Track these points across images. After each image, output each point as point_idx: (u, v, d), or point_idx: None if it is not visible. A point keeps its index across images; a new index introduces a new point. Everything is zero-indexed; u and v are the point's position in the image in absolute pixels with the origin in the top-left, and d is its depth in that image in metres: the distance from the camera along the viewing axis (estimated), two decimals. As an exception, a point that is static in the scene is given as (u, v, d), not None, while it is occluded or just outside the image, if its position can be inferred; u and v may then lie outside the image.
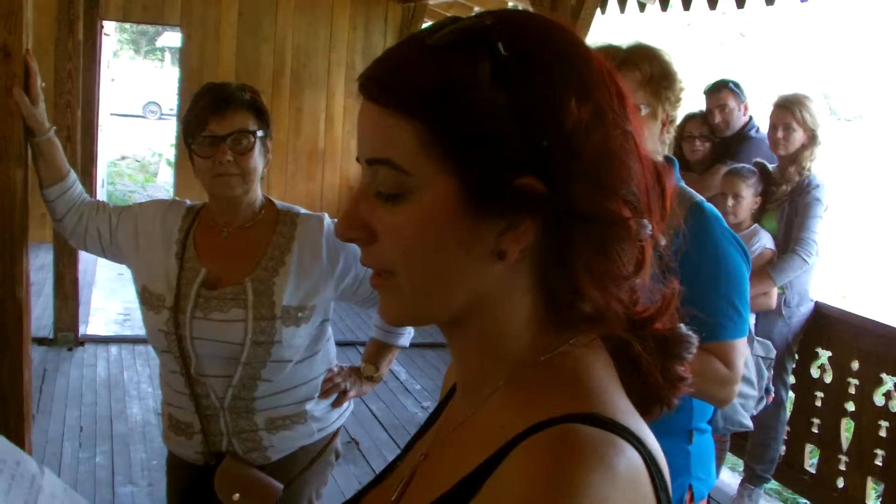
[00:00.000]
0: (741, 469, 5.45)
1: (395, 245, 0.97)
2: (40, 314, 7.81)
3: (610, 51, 2.37)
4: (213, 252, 2.71)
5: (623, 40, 2.43)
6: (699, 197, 2.41)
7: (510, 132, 0.92)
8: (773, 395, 4.74)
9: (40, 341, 7.33)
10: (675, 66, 2.38)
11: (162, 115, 28.67)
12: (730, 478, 5.69)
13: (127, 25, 33.03)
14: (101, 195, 10.66)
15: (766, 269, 4.87)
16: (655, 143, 2.38)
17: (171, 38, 29.10)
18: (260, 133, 2.63)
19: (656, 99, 2.33)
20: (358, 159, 1.00)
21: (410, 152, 0.94)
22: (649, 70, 2.32)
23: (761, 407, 4.74)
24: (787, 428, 5.29)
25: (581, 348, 0.99)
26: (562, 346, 0.99)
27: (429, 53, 0.94)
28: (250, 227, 2.72)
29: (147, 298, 2.70)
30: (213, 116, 2.57)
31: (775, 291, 4.93)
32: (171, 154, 13.60)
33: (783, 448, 5.28)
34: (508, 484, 0.87)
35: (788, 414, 5.29)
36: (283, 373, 2.69)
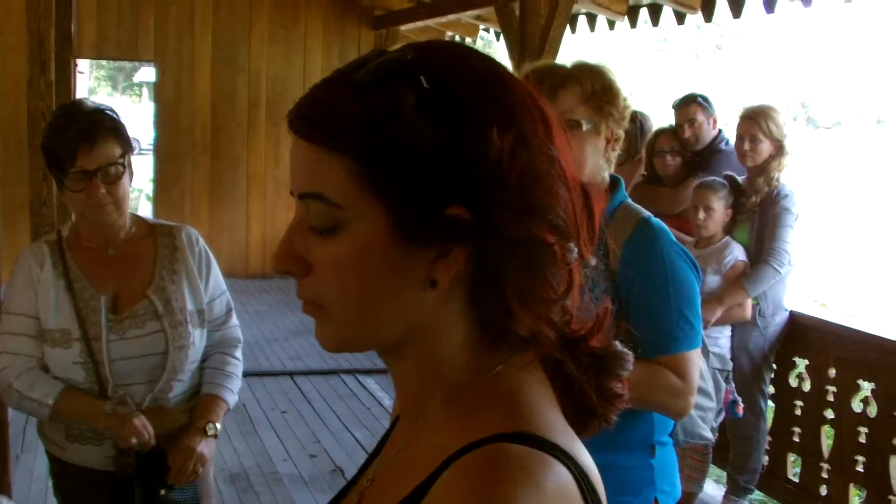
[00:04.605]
0: (725, 481, 5.46)
1: (330, 277, 0.99)
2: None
3: (553, 69, 2.40)
4: (104, 274, 2.74)
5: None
6: (646, 213, 2.41)
7: (436, 163, 0.94)
8: (741, 405, 4.72)
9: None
10: (618, 83, 2.38)
11: (141, 150, 28.58)
12: (714, 489, 5.69)
13: (104, 62, 33.08)
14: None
15: (740, 280, 4.88)
16: (599, 159, 2.39)
17: (148, 74, 28.98)
18: (125, 158, 2.66)
19: (598, 115, 2.34)
20: (292, 193, 1.02)
21: (341, 186, 0.96)
22: (591, 86, 2.33)
23: (721, 419, 4.74)
24: (769, 438, 5.31)
25: (516, 369, 1.01)
26: (497, 368, 1.01)
27: (354, 89, 0.96)
28: (130, 241, 2.78)
29: (51, 337, 2.68)
30: (82, 148, 2.58)
31: (749, 303, 4.94)
32: (150, 189, 13.56)
33: (766, 458, 5.29)
34: None
35: (769, 424, 5.30)
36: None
